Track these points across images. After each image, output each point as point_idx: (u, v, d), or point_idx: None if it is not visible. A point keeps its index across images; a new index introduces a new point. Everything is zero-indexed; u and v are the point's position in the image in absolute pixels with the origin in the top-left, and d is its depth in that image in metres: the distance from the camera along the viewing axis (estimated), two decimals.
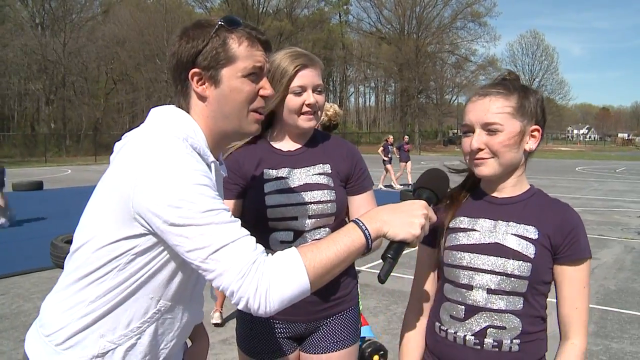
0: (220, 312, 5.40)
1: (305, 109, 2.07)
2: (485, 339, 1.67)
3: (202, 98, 1.49)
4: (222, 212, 1.32)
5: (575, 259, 1.66)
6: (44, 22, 49.87)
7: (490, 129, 1.66)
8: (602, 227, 10.96)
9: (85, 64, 50.46)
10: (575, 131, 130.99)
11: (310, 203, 2.09)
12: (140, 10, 52.38)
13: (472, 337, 1.68)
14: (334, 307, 2.19)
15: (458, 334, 1.71)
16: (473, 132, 1.70)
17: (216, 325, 5.30)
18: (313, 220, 2.10)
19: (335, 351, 2.21)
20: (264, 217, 2.08)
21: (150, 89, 50.91)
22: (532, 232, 1.67)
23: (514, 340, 1.66)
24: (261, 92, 1.51)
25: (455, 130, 72.37)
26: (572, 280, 1.67)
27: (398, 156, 18.77)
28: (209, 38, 1.45)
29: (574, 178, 23.66)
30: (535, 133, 1.71)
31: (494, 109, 1.66)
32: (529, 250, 1.64)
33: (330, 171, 2.15)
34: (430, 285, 1.85)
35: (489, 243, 1.69)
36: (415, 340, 1.85)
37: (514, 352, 1.67)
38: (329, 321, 2.20)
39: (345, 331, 2.23)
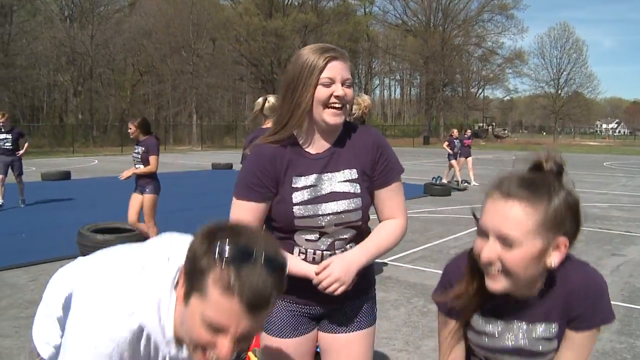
0: None
1: (332, 100, 2.01)
2: None
3: (179, 297, 1.37)
4: None
5: (588, 328, 1.59)
6: (72, 14, 50.45)
7: (505, 242, 1.45)
8: (630, 224, 10.78)
9: (112, 56, 50.92)
10: (604, 125, 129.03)
11: (337, 213, 2.10)
12: (167, 2, 52.62)
13: None
14: (350, 291, 2.21)
15: None
16: (487, 236, 1.49)
17: None
18: (339, 227, 2.13)
19: (353, 332, 2.25)
20: (292, 224, 2.10)
21: (176, 80, 51.23)
22: (554, 330, 1.60)
23: None
24: (217, 350, 1.29)
25: (481, 124, 71.72)
26: (580, 347, 1.59)
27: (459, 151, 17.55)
28: (204, 250, 1.29)
29: (601, 173, 23.31)
30: (562, 247, 1.49)
31: (513, 219, 1.43)
32: (552, 346, 1.61)
33: (356, 176, 2.14)
34: (458, 355, 1.77)
35: (513, 348, 1.63)
36: None
37: None
38: (347, 304, 2.21)
39: (362, 314, 2.27)
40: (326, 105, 2.02)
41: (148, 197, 7.39)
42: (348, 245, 2.18)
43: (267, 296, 1.26)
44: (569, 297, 1.57)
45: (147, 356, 1.42)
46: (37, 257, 7.45)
